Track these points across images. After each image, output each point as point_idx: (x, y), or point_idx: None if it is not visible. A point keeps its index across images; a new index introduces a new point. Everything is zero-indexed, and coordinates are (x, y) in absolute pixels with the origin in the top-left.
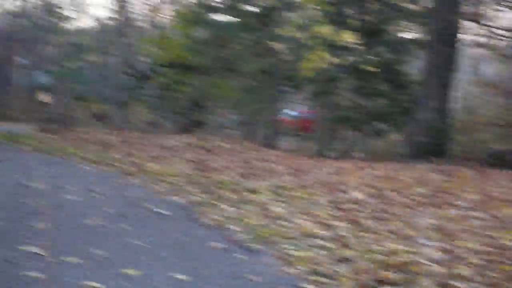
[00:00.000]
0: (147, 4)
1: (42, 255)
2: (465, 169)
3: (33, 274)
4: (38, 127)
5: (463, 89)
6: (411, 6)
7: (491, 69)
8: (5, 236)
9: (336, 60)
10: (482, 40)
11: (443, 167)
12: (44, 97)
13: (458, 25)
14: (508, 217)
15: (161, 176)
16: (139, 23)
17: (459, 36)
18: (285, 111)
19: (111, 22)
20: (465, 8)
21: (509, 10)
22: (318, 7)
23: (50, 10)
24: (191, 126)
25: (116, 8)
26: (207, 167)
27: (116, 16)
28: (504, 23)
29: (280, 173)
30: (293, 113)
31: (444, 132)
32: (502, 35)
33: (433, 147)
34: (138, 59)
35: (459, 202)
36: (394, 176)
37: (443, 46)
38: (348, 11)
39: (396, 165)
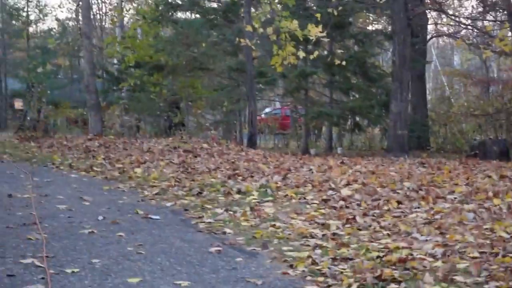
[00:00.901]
0: (109, 3)
1: (42, 267)
2: (449, 161)
3: (37, 287)
4: (16, 134)
5: (436, 80)
6: None
7: (459, 59)
8: (4, 249)
9: (305, 55)
10: (449, 29)
11: (427, 160)
12: (18, 104)
13: (425, 15)
14: (498, 208)
15: (147, 181)
16: (103, 23)
17: (427, 26)
18: (263, 109)
19: (74, 23)
20: None
21: None
22: (282, 1)
23: (12, 13)
24: (170, 128)
25: (77, 8)
26: (193, 169)
27: (78, 17)
28: (467, 12)
29: (266, 173)
30: (270, 110)
31: (423, 124)
32: (466, 24)
33: (414, 140)
34: (107, 61)
35: (448, 195)
36: (380, 171)
37: (412, 37)
38: (313, 4)
39: (379, 160)
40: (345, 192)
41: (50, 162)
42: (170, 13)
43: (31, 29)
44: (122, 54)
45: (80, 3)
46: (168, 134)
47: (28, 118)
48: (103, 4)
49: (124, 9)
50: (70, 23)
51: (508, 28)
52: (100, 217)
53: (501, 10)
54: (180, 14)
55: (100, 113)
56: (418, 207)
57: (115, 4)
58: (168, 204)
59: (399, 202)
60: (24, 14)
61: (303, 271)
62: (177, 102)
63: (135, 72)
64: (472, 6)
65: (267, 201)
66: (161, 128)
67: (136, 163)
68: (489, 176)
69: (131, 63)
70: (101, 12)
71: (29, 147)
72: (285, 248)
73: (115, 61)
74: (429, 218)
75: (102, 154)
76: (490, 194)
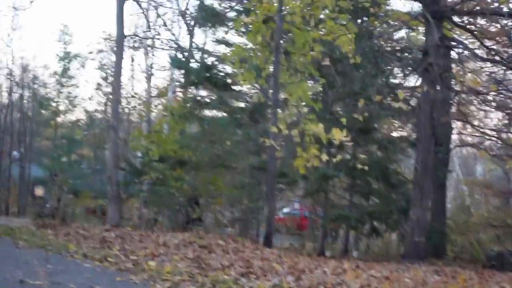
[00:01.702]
0: (138, 98)
1: None
2: (465, 271)
3: None
4: (34, 221)
5: (457, 188)
6: (401, 105)
7: (482, 169)
8: None
9: (328, 158)
10: (473, 140)
11: (443, 268)
12: (39, 191)
13: (449, 124)
14: None
15: (160, 274)
16: (130, 117)
17: (451, 135)
18: (282, 208)
19: (102, 116)
20: (455, 108)
21: (495, 110)
22: (308, 105)
23: (41, 102)
24: (187, 223)
25: (107, 102)
26: (207, 265)
27: (107, 109)
28: (492, 123)
29: (280, 273)
30: (289, 210)
31: (441, 232)
32: (491, 135)
33: (431, 247)
34: (131, 153)
35: None
36: (394, 277)
37: (435, 145)
38: (338, 108)
39: (394, 265)
40: None
41: (65, 250)
42: (197, 111)
43: (59, 119)
44: (147, 148)
45: (110, 96)
46: (185, 228)
47: (48, 205)
48: (132, 98)
49: (152, 105)
50: (98, 115)
51: None
52: None
53: None
54: (207, 112)
55: (120, 204)
56: None
57: (144, 99)
58: None
59: None
60: (54, 104)
61: None
62: (197, 197)
63: (157, 165)
64: (498, 118)
65: None
66: (179, 223)
67: (151, 256)
68: None
69: (155, 157)
70: (129, 106)
71: (46, 234)
72: None
73: (139, 154)
74: None
75: (118, 245)
76: None
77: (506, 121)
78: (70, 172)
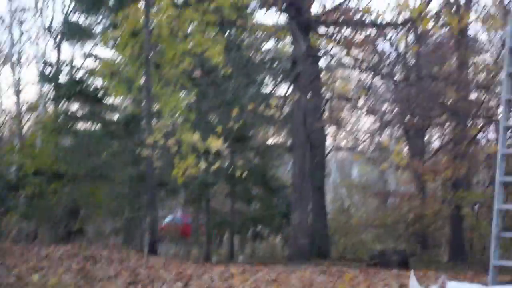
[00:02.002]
0: (7, 114)
1: None
2: (350, 269)
3: None
4: None
5: (336, 191)
6: (274, 113)
7: (358, 172)
8: None
9: (207, 166)
10: (347, 143)
11: (328, 268)
12: None
13: (323, 130)
14: None
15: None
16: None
17: (325, 140)
18: (165, 217)
19: None
20: (328, 114)
21: (367, 115)
22: (182, 115)
23: None
24: (69, 235)
25: None
26: (92, 276)
27: None
28: (365, 127)
29: (168, 281)
30: (171, 218)
31: (323, 234)
32: (364, 139)
33: (315, 249)
34: (4, 168)
35: None
36: (282, 279)
37: (311, 150)
38: (213, 118)
39: (281, 268)
40: None
41: None
42: (70, 124)
43: None
44: (21, 162)
45: None
46: (67, 241)
47: None
48: (3, 113)
49: (24, 119)
50: None
51: (404, 143)
52: None
53: (397, 126)
54: (80, 125)
55: None
56: None
57: (14, 114)
58: None
59: None
60: None
61: None
62: (77, 209)
63: (34, 179)
64: (370, 122)
65: None
66: (60, 235)
67: (33, 270)
68: (389, 285)
69: (30, 171)
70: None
71: None
72: None
73: (13, 168)
74: None
75: None
76: None
77: (377, 125)
78: None
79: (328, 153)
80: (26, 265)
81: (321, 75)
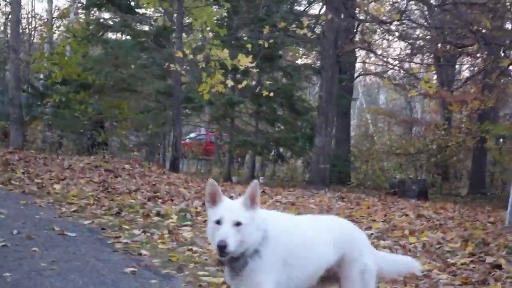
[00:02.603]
0: (39, 18)
1: None
2: (368, 197)
3: None
4: None
5: (360, 117)
6: (306, 32)
7: (385, 98)
8: None
9: (234, 84)
10: (376, 69)
11: (347, 194)
12: None
13: (353, 53)
14: (413, 246)
15: (66, 198)
16: (32, 38)
17: (355, 64)
18: (188, 134)
19: (2, 36)
20: (359, 37)
21: (398, 40)
22: (213, 30)
23: None
24: (92, 146)
25: (6, 22)
26: (113, 189)
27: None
28: (395, 53)
29: (187, 197)
30: (195, 135)
31: (345, 159)
32: (394, 65)
33: (335, 174)
34: (33, 76)
35: (365, 231)
36: (300, 202)
37: (340, 73)
38: (243, 34)
39: (300, 191)
40: None
41: None
42: (100, 33)
43: None
44: (49, 70)
45: (10, 16)
46: (90, 152)
47: None
48: (33, 19)
49: (54, 26)
50: None
51: (434, 71)
52: (15, 231)
53: (428, 54)
54: (110, 35)
55: (23, 127)
56: None
57: (45, 20)
58: (86, 222)
59: None
60: None
61: None
62: (102, 121)
63: (61, 88)
64: (400, 48)
65: (186, 225)
66: (84, 146)
67: (56, 180)
68: (407, 215)
69: (58, 80)
70: (30, 27)
71: None
72: (200, 273)
73: (42, 76)
74: None
75: (22, 168)
76: (406, 232)
77: (408, 51)
78: None
79: (357, 77)
80: (49, 174)
81: None
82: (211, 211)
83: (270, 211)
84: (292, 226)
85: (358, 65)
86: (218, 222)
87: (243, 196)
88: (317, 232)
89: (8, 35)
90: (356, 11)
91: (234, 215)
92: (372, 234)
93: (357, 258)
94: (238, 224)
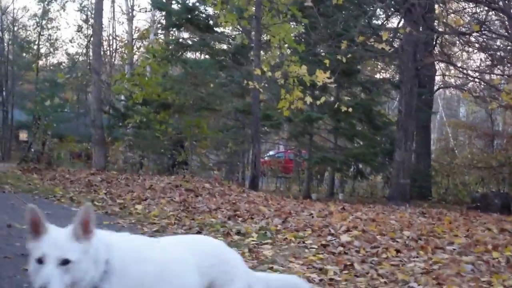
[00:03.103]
0: (119, 40)
1: None
2: (450, 212)
3: None
4: (19, 166)
5: (441, 130)
6: (384, 46)
7: (465, 111)
8: (1, 279)
9: (312, 100)
10: (456, 81)
11: (428, 210)
12: (23, 135)
13: (433, 66)
14: (497, 262)
15: (147, 218)
16: (112, 60)
17: (434, 77)
18: (267, 151)
19: (84, 58)
20: (438, 50)
21: (478, 51)
22: (291, 46)
23: (23, 46)
24: (173, 166)
25: (88, 44)
26: (194, 208)
27: (88, 52)
28: (475, 64)
29: (267, 215)
30: (274, 153)
31: (426, 174)
32: (474, 77)
33: (416, 189)
34: (114, 97)
35: (448, 246)
36: (380, 219)
37: (419, 87)
38: (321, 50)
39: (380, 208)
40: (345, 238)
41: (52, 194)
42: (180, 53)
43: (40, 62)
44: (130, 91)
45: (92, 39)
46: (171, 172)
47: (32, 150)
48: (114, 40)
49: (135, 47)
50: (80, 58)
51: None
52: None
53: (509, 65)
54: (189, 54)
55: (105, 148)
56: (417, 257)
57: (126, 42)
58: None
59: (397, 251)
60: (35, 47)
61: None
62: (182, 141)
63: (141, 109)
64: (481, 59)
65: (266, 243)
66: (164, 166)
67: (138, 200)
68: (489, 229)
69: (139, 100)
70: (111, 49)
71: (32, 179)
72: None
73: (123, 97)
74: (427, 268)
75: (104, 189)
76: (489, 247)
77: (489, 62)
78: (53, 116)
79: (436, 90)
80: (130, 195)
81: (434, 7)
82: (33, 246)
83: (116, 234)
84: (145, 251)
85: (437, 78)
86: (40, 261)
87: (71, 225)
88: (178, 257)
89: (90, 58)
90: (435, 23)
91: (59, 252)
92: (454, 249)
93: (229, 284)
94: (65, 262)
